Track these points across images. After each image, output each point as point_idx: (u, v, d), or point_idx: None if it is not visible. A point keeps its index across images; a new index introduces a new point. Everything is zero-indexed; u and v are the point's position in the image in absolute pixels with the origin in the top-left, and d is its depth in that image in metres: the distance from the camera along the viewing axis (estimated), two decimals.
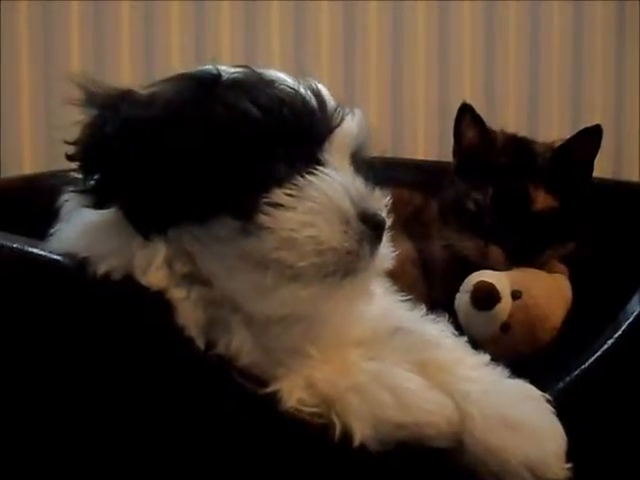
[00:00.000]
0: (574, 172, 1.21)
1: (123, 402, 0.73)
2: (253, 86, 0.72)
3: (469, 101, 1.25)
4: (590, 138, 1.21)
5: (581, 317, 1.09)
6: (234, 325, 0.73)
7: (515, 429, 0.74)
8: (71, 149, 0.74)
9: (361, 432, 0.71)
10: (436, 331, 0.84)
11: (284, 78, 0.74)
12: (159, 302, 0.73)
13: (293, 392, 0.72)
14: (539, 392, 0.78)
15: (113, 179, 0.71)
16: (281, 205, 0.69)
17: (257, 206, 0.69)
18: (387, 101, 1.69)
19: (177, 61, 1.55)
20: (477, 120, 1.24)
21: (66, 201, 0.79)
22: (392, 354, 0.78)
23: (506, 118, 1.72)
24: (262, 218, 0.69)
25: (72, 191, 0.75)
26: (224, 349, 0.73)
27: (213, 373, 0.73)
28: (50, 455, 0.74)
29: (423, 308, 0.86)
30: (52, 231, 0.80)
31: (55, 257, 0.73)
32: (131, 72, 1.54)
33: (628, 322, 0.89)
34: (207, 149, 0.70)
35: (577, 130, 1.22)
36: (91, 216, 0.74)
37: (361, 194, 0.72)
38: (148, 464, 0.74)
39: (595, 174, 1.24)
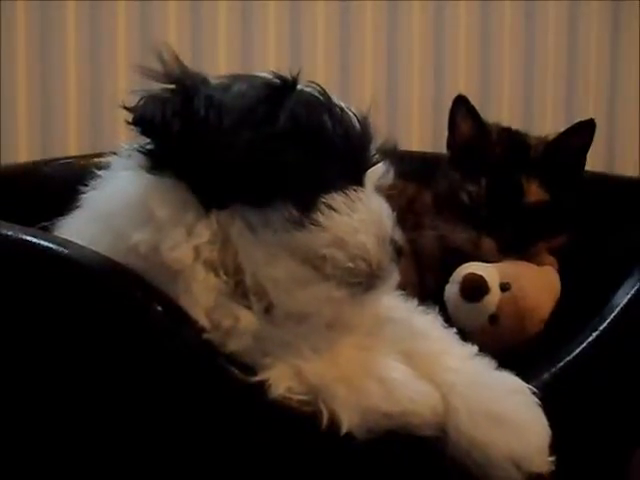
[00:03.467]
0: (567, 165, 1.21)
1: (115, 388, 0.74)
2: (327, 103, 0.78)
3: (464, 93, 1.26)
4: (583, 132, 1.21)
5: (569, 309, 1.10)
6: (243, 313, 0.75)
7: (499, 423, 0.76)
8: (135, 115, 0.76)
9: (348, 420, 0.73)
10: (425, 322, 0.85)
11: (347, 106, 0.80)
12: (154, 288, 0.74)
13: (281, 381, 0.73)
14: (525, 384, 0.80)
15: (188, 148, 0.74)
16: (336, 209, 0.74)
17: (316, 203, 0.74)
18: (382, 92, 1.69)
19: None
20: (472, 112, 1.24)
21: (105, 167, 0.83)
22: (380, 344, 0.79)
23: (500, 111, 1.72)
24: (319, 216, 0.74)
25: (136, 150, 0.77)
26: (223, 333, 0.74)
27: (204, 360, 0.74)
28: (50, 431, 0.76)
29: (413, 299, 0.87)
30: (84, 196, 0.83)
31: (50, 244, 0.74)
32: (129, 68, 1.54)
33: (613, 314, 0.91)
34: (284, 140, 0.74)
35: (571, 124, 1.23)
36: (136, 184, 0.77)
37: (391, 220, 0.78)
38: (136, 447, 0.75)
39: (588, 168, 1.24)
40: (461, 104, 1.25)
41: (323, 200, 0.75)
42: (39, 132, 1.51)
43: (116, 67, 1.53)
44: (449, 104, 1.26)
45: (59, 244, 0.74)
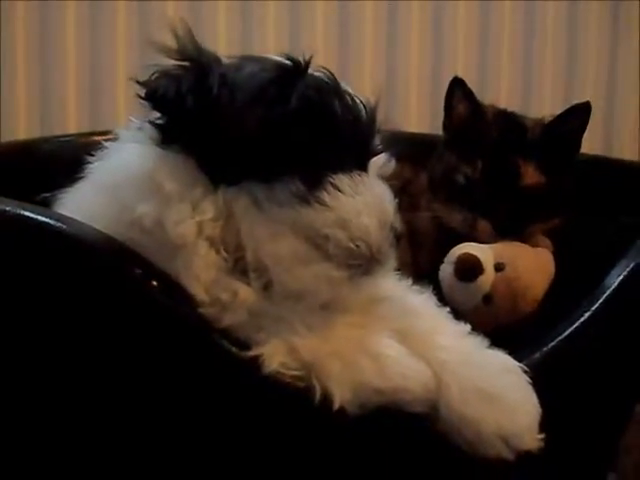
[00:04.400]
0: (563, 148, 1.21)
1: (112, 364, 0.75)
2: (337, 87, 0.79)
3: (461, 75, 1.26)
4: (579, 115, 1.22)
5: (563, 290, 1.10)
6: (242, 288, 0.76)
7: (490, 400, 0.77)
8: (148, 89, 0.77)
9: (341, 396, 0.74)
10: (418, 301, 0.86)
11: (356, 94, 0.81)
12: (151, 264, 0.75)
13: (275, 356, 0.74)
14: (516, 363, 0.80)
15: (200, 124, 0.75)
16: (341, 190, 0.76)
17: (322, 182, 0.76)
18: (380, 73, 1.70)
19: None
20: (468, 94, 1.24)
21: (112, 139, 0.84)
22: (374, 322, 0.80)
23: (498, 93, 1.73)
24: (324, 195, 0.75)
25: (148, 122, 0.78)
26: (220, 308, 0.75)
27: (199, 335, 0.75)
28: (47, 404, 0.77)
29: (408, 279, 0.88)
30: (90, 167, 0.84)
31: (47, 219, 0.73)
32: (128, 47, 1.55)
33: (606, 295, 0.91)
34: (294, 119, 0.75)
35: (568, 106, 1.23)
36: (144, 157, 0.78)
37: (393, 206, 0.79)
38: (131, 420, 0.76)
39: (586, 151, 1.25)
40: (457, 86, 1.25)
41: (330, 180, 0.76)
42: (38, 110, 1.52)
43: (115, 45, 1.54)
44: (446, 86, 1.26)
45: (57, 220, 0.74)
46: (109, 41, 1.54)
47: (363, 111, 0.80)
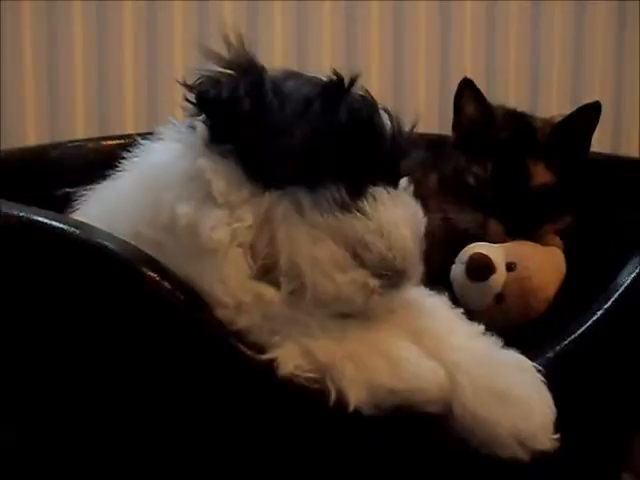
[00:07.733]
0: (573, 148, 1.21)
1: (130, 369, 0.76)
2: (377, 105, 0.82)
3: (470, 75, 1.26)
4: (589, 115, 1.22)
5: (575, 289, 1.10)
6: (268, 290, 0.77)
7: (504, 400, 0.77)
8: (198, 92, 0.79)
9: (356, 398, 0.74)
10: (431, 302, 0.86)
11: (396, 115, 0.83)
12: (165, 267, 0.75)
13: (290, 359, 0.74)
14: (530, 362, 0.81)
15: (252, 129, 0.77)
16: (381, 201, 0.78)
17: (364, 192, 0.78)
18: (388, 73, 1.70)
19: (179, 56, 1.56)
20: (477, 95, 1.24)
21: (153, 136, 0.85)
22: (389, 324, 0.80)
23: (506, 93, 1.72)
24: (364, 204, 0.77)
25: (202, 122, 0.80)
26: (241, 310, 0.76)
27: (214, 338, 0.75)
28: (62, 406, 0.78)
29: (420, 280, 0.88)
30: (131, 162, 0.85)
31: (61, 225, 0.74)
32: (135, 52, 1.55)
33: (618, 293, 0.91)
34: (343, 130, 0.77)
35: (576, 106, 1.23)
36: (191, 157, 0.80)
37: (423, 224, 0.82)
38: (143, 425, 0.77)
39: (593, 149, 1.25)
40: (467, 87, 1.25)
41: (370, 191, 0.78)
42: (47, 116, 1.52)
43: (122, 51, 1.54)
44: (455, 86, 1.26)
45: (72, 226, 0.75)
46: (117, 46, 1.54)
47: (403, 133, 0.82)
